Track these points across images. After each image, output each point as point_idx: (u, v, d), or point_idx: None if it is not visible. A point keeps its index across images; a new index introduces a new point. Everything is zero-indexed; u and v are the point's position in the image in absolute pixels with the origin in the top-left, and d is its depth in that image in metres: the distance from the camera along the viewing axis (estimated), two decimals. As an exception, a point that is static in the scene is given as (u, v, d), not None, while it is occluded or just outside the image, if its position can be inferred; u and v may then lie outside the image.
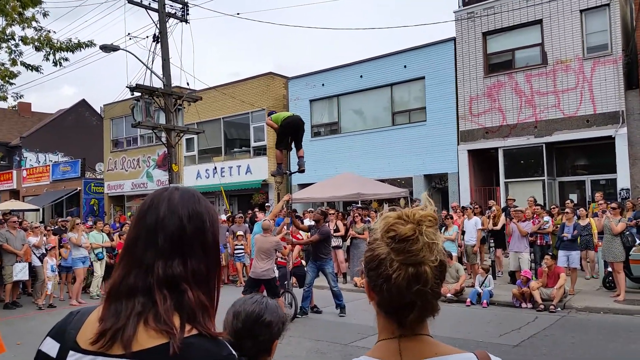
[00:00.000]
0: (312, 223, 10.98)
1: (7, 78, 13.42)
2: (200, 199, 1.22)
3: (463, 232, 12.70)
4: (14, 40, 12.62)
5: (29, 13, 12.14)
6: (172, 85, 15.91)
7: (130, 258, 1.13)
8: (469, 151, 16.85)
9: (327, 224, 11.27)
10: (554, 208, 12.79)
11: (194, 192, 1.24)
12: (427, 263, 1.09)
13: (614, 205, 10.39)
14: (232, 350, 1.10)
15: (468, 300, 10.18)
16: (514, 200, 13.74)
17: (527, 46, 16.15)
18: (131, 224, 1.20)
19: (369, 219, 13.86)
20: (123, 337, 1.03)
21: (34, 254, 11.96)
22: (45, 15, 12.42)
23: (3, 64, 13.18)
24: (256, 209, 16.23)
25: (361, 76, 19.37)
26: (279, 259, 9.85)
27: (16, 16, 11.85)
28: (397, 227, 1.12)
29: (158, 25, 15.50)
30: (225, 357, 1.07)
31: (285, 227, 10.51)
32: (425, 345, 1.14)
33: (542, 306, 9.33)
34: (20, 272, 11.37)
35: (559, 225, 11.22)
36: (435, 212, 1.18)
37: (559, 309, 9.29)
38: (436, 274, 1.11)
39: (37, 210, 27.64)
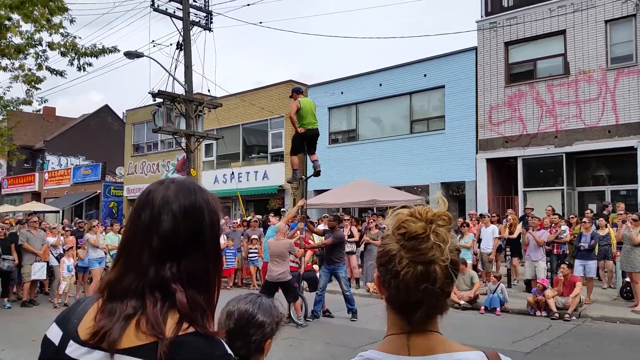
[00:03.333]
0: (327, 228, 10.98)
1: (33, 83, 13.75)
2: (197, 191, 1.16)
3: (479, 240, 12.59)
4: (42, 45, 12.93)
5: (56, 19, 12.40)
6: (194, 92, 16.13)
7: (126, 258, 1.11)
8: (488, 160, 16.71)
9: (341, 229, 11.28)
10: (572, 217, 12.61)
11: (190, 184, 1.18)
12: (437, 262, 1.07)
13: (634, 216, 10.19)
14: (227, 349, 1.07)
15: (482, 307, 10.06)
16: (533, 209, 13.55)
17: (550, 56, 16.01)
18: (127, 221, 1.17)
19: (384, 225, 13.81)
20: (109, 339, 1.03)
21: (52, 253, 12.19)
22: (72, 21, 12.69)
23: (30, 69, 13.50)
24: (271, 214, 16.31)
25: (380, 84, 19.39)
26: (291, 264, 9.85)
27: (44, 22, 12.12)
28: (408, 225, 1.11)
29: (182, 33, 15.76)
30: (218, 357, 1.04)
31: (298, 231, 10.53)
32: (434, 342, 1.13)
33: (556, 315, 9.17)
34: (38, 271, 11.60)
35: (576, 235, 11.06)
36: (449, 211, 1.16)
37: (573, 317, 9.13)
38: (447, 273, 1.08)
39: (58, 212, 28.20)
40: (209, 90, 19.73)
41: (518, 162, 16.26)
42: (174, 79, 15.54)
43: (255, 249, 13.59)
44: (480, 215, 13.73)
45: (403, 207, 1.18)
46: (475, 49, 17.32)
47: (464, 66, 17.53)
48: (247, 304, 1.84)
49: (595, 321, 9.07)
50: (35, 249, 11.65)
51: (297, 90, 9.96)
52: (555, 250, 11.28)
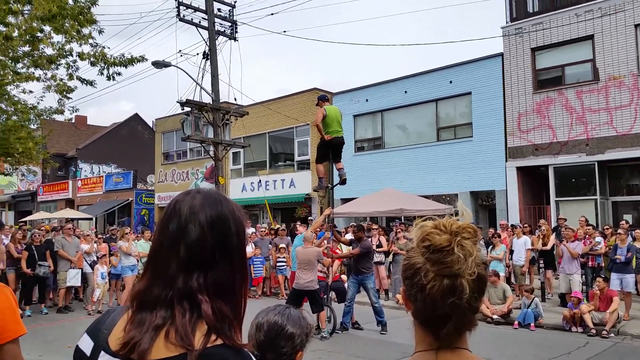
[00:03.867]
0: (353, 238, 10.93)
1: (64, 92, 14.06)
2: (223, 202, 1.18)
3: (511, 252, 12.34)
4: (72, 56, 13.22)
5: (86, 31, 12.67)
6: (221, 100, 16.30)
7: (154, 268, 1.13)
8: (518, 168, 16.44)
9: (369, 239, 11.19)
10: (607, 229, 12.26)
11: (216, 194, 1.20)
12: (463, 275, 1.06)
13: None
14: None
15: (516, 322, 9.85)
16: (565, 219, 13.24)
17: (578, 62, 15.71)
18: (155, 231, 1.19)
19: (412, 237, 13.65)
20: (139, 350, 1.04)
21: (85, 261, 12.43)
22: (100, 32, 12.95)
23: (61, 79, 13.82)
24: (298, 222, 16.33)
25: (406, 92, 19.28)
26: (318, 274, 9.80)
27: (74, 33, 12.40)
28: (433, 237, 1.10)
29: (208, 43, 15.95)
30: None
31: (325, 241, 10.50)
32: (463, 359, 1.12)
33: (593, 331, 8.91)
34: (73, 278, 11.88)
35: (611, 247, 10.75)
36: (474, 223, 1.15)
37: (612, 334, 8.85)
38: (473, 287, 1.07)
39: (90, 219, 28.72)
40: (235, 99, 19.98)
41: (549, 170, 15.96)
42: (202, 88, 15.75)
43: (284, 257, 13.61)
44: (512, 225, 13.47)
45: (427, 219, 1.17)
46: (502, 55, 17.11)
47: (490, 72, 17.32)
48: (276, 316, 1.85)
49: (635, 339, 8.76)
50: (70, 256, 11.91)
51: (323, 97, 10.03)
52: (589, 263, 10.98)
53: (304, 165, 21.89)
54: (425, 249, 1.11)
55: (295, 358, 1.83)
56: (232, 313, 1.10)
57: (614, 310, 8.94)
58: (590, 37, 15.31)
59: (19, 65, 12.99)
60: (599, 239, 11.21)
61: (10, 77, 13.58)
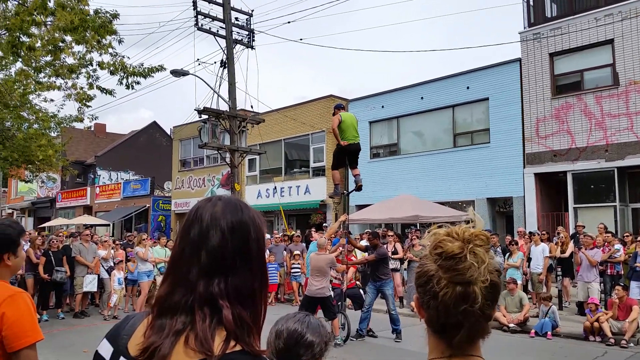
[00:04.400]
0: (368, 245, 10.90)
1: (84, 101, 14.29)
2: (244, 208, 1.19)
3: (529, 259, 12.19)
4: (92, 65, 13.44)
5: (105, 41, 12.87)
6: (237, 108, 16.43)
7: (175, 274, 1.14)
8: (536, 174, 16.25)
9: (385, 245, 11.14)
10: (627, 236, 12.06)
11: (237, 201, 1.21)
12: (476, 283, 1.06)
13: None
14: None
15: (532, 331, 9.71)
16: (584, 226, 13.06)
17: (597, 67, 15.51)
18: (177, 237, 1.20)
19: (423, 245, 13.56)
20: (159, 355, 1.04)
21: (102, 266, 12.59)
22: (120, 42, 13.15)
23: (82, 88, 14.05)
24: (313, 229, 16.34)
25: (422, 98, 19.22)
26: (333, 281, 9.78)
27: (95, 43, 12.61)
28: (445, 244, 1.11)
29: (225, 51, 16.11)
30: None
31: (340, 247, 10.49)
32: None
33: (612, 340, 8.74)
34: (89, 283, 12.03)
35: (631, 254, 10.56)
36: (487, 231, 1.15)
37: (631, 344, 8.68)
38: (486, 294, 1.07)
39: (108, 225, 29.04)
40: (251, 106, 20.14)
41: (567, 176, 15.73)
42: (219, 95, 15.89)
43: (298, 264, 13.64)
44: (530, 233, 13.31)
45: (439, 226, 1.17)
46: (519, 60, 16.98)
47: (508, 78, 17.19)
48: (296, 323, 1.84)
49: (655, 349, 8.60)
50: (87, 261, 12.08)
51: (339, 106, 10.08)
52: (608, 271, 10.79)
53: (319, 172, 21.92)
54: (437, 256, 1.11)
55: None
56: (251, 319, 1.11)
57: (633, 319, 8.77)
58: (610, 42, 15.11)
59: (41, 75, 13.23)
60: (618, 246, 11.03)
61: (32, 87, 13.84)
